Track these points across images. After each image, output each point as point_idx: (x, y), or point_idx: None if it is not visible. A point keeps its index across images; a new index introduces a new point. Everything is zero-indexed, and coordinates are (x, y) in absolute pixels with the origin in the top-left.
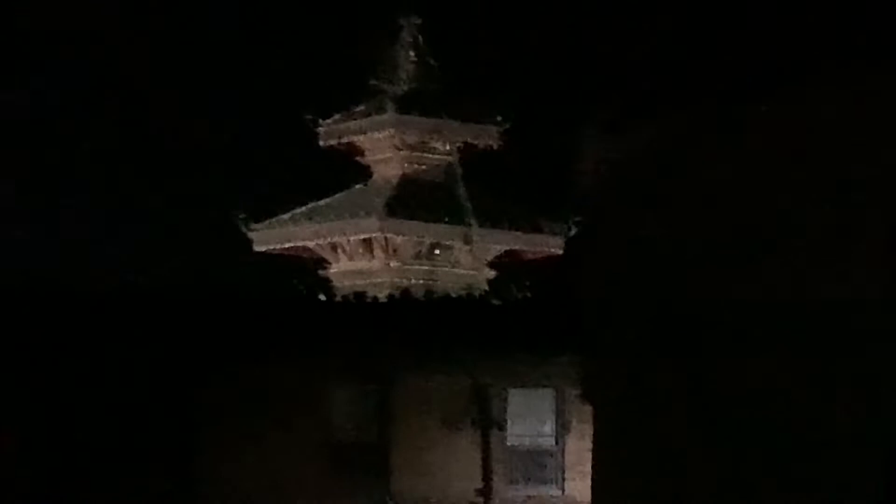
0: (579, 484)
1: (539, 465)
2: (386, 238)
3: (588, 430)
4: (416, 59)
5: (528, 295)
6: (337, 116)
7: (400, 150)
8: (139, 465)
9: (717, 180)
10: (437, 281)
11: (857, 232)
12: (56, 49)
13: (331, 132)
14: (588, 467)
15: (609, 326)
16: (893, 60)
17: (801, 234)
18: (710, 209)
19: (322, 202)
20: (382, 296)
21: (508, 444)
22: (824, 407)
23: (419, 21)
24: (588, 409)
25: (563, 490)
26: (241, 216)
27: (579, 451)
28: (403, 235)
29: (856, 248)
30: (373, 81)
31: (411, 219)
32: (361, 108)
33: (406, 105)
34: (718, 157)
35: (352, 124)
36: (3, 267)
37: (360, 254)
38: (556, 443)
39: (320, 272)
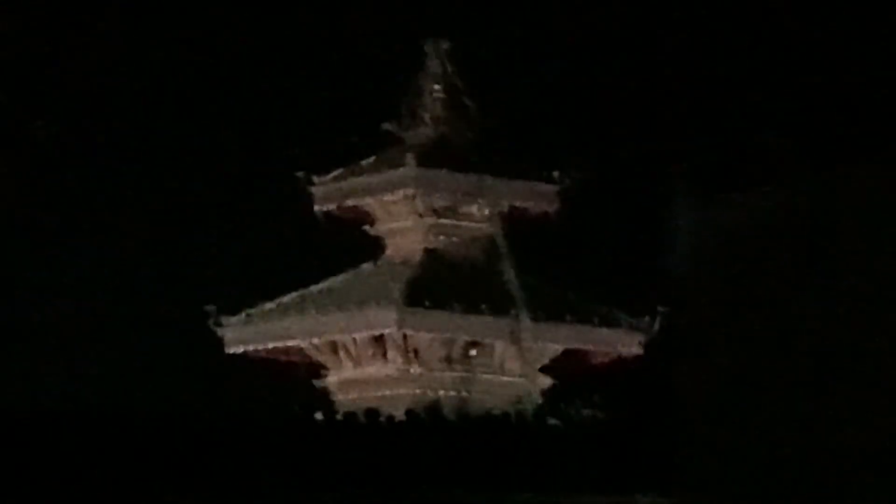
0: None
1: None
2: (405, 335)
3: None
4: (444, 95)
5: (598, 414)
6: (338, 172)
7: (423, 216)
8: None
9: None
10: (474, 393)
11: None
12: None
13: (330, 193)
14: None
15: (710, 460)
16: None
17: None
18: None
19: (318, 287)
20: (400, 413)
21: None
22: None
23: (448, 46)
24: None
25: None
26: (208, 308)
27: None
28: (428, 332)
29: None
30: (386, 125)
31: (438, 309)
32: (371, 160)
33: (431, 157)
34: (851, 224)
35: (358, 182)
36: None
37: (369, 357)
38: None
39: (316, 382)
